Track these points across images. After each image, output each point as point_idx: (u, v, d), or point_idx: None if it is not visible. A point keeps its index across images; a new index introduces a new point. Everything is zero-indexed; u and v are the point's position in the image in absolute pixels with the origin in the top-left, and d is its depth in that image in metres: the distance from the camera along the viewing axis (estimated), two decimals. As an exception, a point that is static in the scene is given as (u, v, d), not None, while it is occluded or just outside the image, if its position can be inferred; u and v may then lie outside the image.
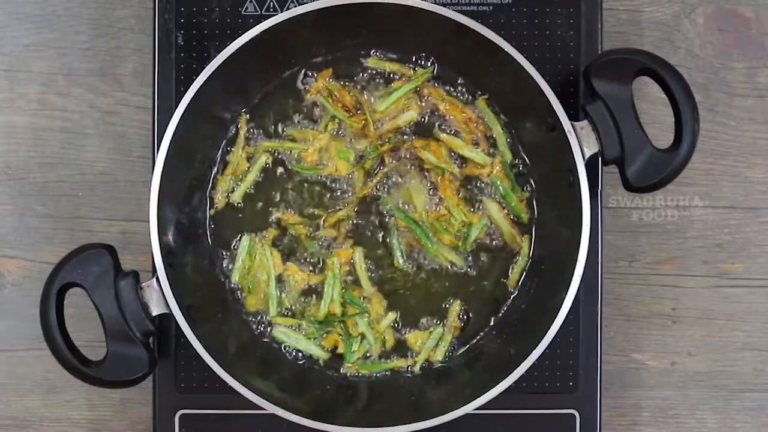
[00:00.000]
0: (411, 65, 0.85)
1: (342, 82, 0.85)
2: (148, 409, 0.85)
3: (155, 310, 0.75)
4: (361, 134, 0.85)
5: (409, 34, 0.81)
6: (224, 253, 0.85)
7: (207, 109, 0.80)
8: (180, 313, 0.74)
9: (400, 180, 0.85)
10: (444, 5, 0.76)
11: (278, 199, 0.85)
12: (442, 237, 0.84)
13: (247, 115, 0.85)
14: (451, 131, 0.85)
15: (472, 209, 0.85)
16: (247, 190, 0.85)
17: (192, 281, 0.80)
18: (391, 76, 0.85)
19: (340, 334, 0.84)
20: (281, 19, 0.75)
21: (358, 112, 0.85)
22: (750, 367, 0.90)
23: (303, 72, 0.85)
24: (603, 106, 0.75)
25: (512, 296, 0.85)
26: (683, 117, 0.74)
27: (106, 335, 0.74)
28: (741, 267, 0.90)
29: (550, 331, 0.74)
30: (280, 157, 0.85)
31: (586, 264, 0.75)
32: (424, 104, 0.85)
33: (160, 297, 0.75)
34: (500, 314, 0.85)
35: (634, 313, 0.90)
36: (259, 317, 0.85)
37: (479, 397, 0.74)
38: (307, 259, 0.85)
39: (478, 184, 0.85)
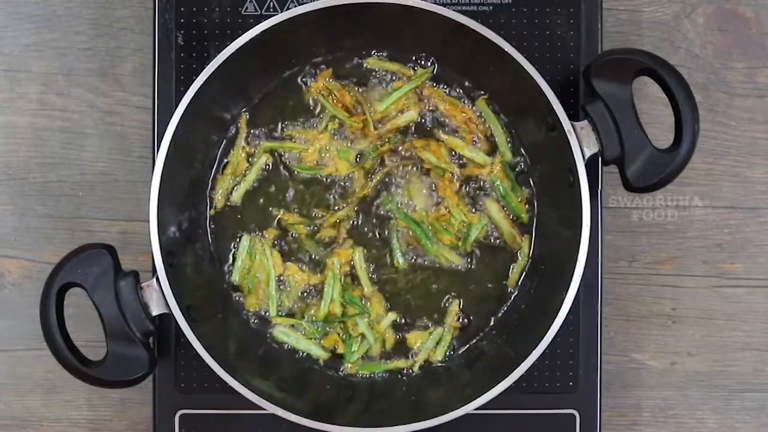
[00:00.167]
0: (411, 65, 0.85)
1: (342, 82, 0.85)
2: (148, 409, 0.85)
3: (155, 310, 0.75)
4: (361, 134, 0.85)
5: (409, 34, 0.81)
6: (224, 253, 0.85)
7: (207, 109, 0.80)
8: (180, 313, 0.74)
9: (400, 180, 0.85)
10: (444, 5, 0.76)
11: (278, 199, 0.85)
12: (442, 237, 0.84)
13: (247, 115, 0.85)
14: (451, 131, 0.85)
15: (472, 209, 0.85)
16: (247, 190, 0.85)
17: (192, 281, 0.80)
18: (391, 76, 0.85)
19: (340, 334, 0.84)
20: (281, 19, 0.75)
21: (358, 112, 0.85)
22: (750, 367, 0.90)
23: (303, 72, 0.85)
24: (603, 106, 0.75)
25: (512, 296, 0.85)
26: (683, 117, 0.74)
27: (106, 335, 0.74)
28: (741, 267, 0.90)
29: (550, 331, 0.74)
30: (280, 157, 0.85)
31: (586, 264, 0.75)
32: (424, 104, 0.85)
33: (160, 297, 0.75)
34: (500, 314, 0.85)
35: (634, 313, 0.90)
36: (259, 317, 0.85)
37: (479, 397, 0.74)
38: (307, 259, 0.85)
39: (478, 184, 0.85)
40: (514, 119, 0.84)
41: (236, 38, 0.75)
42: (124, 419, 0.90)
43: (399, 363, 0.84)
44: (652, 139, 0.75)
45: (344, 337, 0.84)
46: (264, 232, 0.85)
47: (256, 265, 0.84)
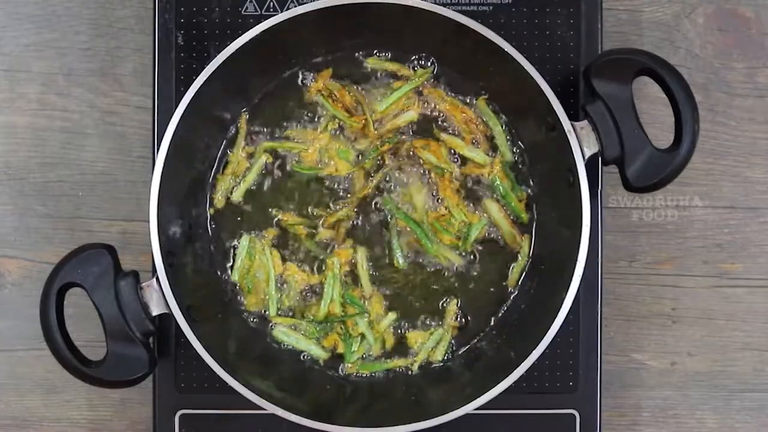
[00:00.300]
0: (411, 65, 0.85)
1: (342, 82, 0.85)
2: (148, 409, 0.85)
3: (155, 310, 0.75)
4: (361, 134, 0.85)
5: (409, 34, 0.81)
6: (224, 253, 0.85)
7: (207, 109, 0.80)
8: (180, 313, 0.74)
9: (400, 180, 0.85)
10: (444, 5, 0.76)
11: (278, 199, 0.85)
12: (442, 237, 0.84)
13: (247, 115, 0.85)
14: (451, 131, 0.85)
15: (472, 209, 0.85)
16: (247, 190, 0.85)
17: (192, 281, 0.80)
18: (391, 76, 0.85)
19: (340, 334, 0.84)
20: (281, 19, 0.75)
21: (358, 112, 0.85)
22: (750, 367, 0.90)
23: (303, 72, 0.85)
24: (603, 106, 0.75)
25: (512, 296, 0.85)
26: (683, 117, 0.74)
27: (106, 335, 0.74)
28: (741, 267, 0.90)
29: (550, 331, 0.74)
30: (280, 157, 0.85)
31: (586, 264, 0.75)
32: (424, 104, 0.85)
33: (160, 297, 0.75)
34: (500, 314, 0.85)
35: (634, 313, 0.90)
36: (259, 317, 0.85)
37: (479, 397, 0.74)
38: (307, 259, 0.85)
39: (478, 184, 0.85)
40: (514, 119, 0.84)
41: (236, 38, 0.75)
42: (124, 419, 0.90)
43: (399, 363, 0.84)
44: (652, 139, 0.75)
45: (344, 337, 0.84)
46: (264, 232, 0.85)
47: (256, 265, 0.84)
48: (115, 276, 0.74)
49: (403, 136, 0.85)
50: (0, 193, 0.89)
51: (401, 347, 0.85)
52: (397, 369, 0.84)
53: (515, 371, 0.74)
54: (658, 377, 0.90)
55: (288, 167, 0.85)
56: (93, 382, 0.74)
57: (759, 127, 0.90)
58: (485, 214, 0.85)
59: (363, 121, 0.84)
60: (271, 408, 0.75)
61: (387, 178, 0.85)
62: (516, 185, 0.85)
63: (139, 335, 0.74)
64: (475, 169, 0.85)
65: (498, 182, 0.84)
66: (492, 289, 0.85)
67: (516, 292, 0.85)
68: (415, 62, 0.85)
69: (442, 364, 0.84)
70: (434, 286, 0.85)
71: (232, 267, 0.84)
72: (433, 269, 0.85)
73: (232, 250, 0.85)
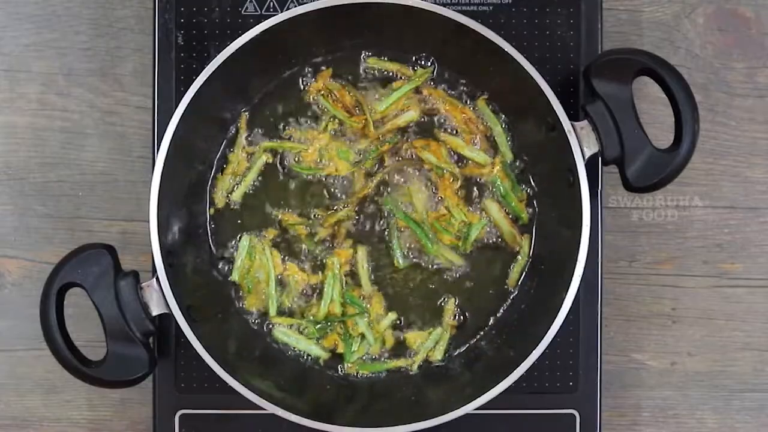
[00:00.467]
0: (411, 65, 0.85)
1: (342, 82, 0.85)
2: (148, 409, 0.85)
3: (155, 310, 0.75)
4: (361, 134, 0.85)
5: (409, 34, 0.81)
6: (224, 253, 0.85)
7: (207, 109, 0.80)
8: (180, 313, 0.74)
9: (400, 180, 0.85)
10: (444, 5, 0.76)
11: (278, 199, 0.85)
12: (442, 237, 0.84)
13: (247, 115, 0.85)
14: (451, 131, 0.85)
15: (472, 209, 0.85)
16: (247, 190, 0.85)
17: (192, 281, 0.80)
18: (392, 76, 0.85)
19: (340, 334, 0.84)
20: (281, 19, 0.75)
21: (358, 112, 0.85)
22: (750, 367, 0.90)
23: (303, 72, 0.85)
24: (603, 106, 0.75)
25: (512, 296, 0.85)
26: (683, 117, 0.74)
27: (106, 335, 0.74)
28: (741, 267, 0.90)
29: (550, 331, 0.74)
30: (280, 157, 0.85)
31: (586, 264, 0.75)
32: (424, 104, 0.85)
33: (160, 297, 0.75)
34: (500, 314, 0.85)
35: (634, 313, 0.90)
36: (259, 317, 0.85)
37: (479, 397, 0.74)
38: (307, 259, 0.85)
39: (478, 184, 0.85)
40: (514, 119, 0.84)
41: (236, 38, 0.75)
42: (124, 419, 0.90)
43: (399, 363, 0.84)
44: (652, 139, 0.75)
45: (344, 337, 0.84)
46: (264, 231, 0.85)
47: (256, 265, 0.84)
48: (115, 276, 0.74)
49: (403, 136, 0.85)
50: (0, 193, 0.89)
51: (401, 347, 0.85)
52: (397, 369, 0.84)
53: (515, 371, 0.74)
54: (658, 377, 0.90)
55: (288, 167, 0.85)
56: (93, 382, 0.74)
57: (759, 127, 0.90)
58: (485, 214, 0.85)
59: (363, 121, 0.84)
60: (271, 408, 0.75)
61: (387, 178, 0.85)
62: (516, 185, 0.85)
63: (139, 335, 0.74)
64: (475, 169, 0.85)
65: (498, 182, 0.84)
66: (492, 289, 0.85)
67: (516, 292, 0.85)
68: (415, 62, 0.85)
69: (441, 364, 0.84)
70: (434, 286, 0.85)
71: (232, 267, 0.84)
72: (432, 269, 0.85)
73: (232, 250, 0.85)
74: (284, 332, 0.84)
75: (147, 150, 0.88)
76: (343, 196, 0.85)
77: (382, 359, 0.85)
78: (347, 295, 0.84)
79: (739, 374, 0.90)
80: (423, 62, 0.85)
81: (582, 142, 0.75)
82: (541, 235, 0.84)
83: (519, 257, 0.85)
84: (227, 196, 0.85)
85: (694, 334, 0.90)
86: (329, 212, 0.85)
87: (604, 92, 0.75)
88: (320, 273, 0.84)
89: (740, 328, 0.90)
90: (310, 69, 0.85)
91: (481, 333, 0.85)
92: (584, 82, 0.79)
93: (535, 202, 0.85)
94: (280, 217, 0.85)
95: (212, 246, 0.85)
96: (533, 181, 0.85)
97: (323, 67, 0.85)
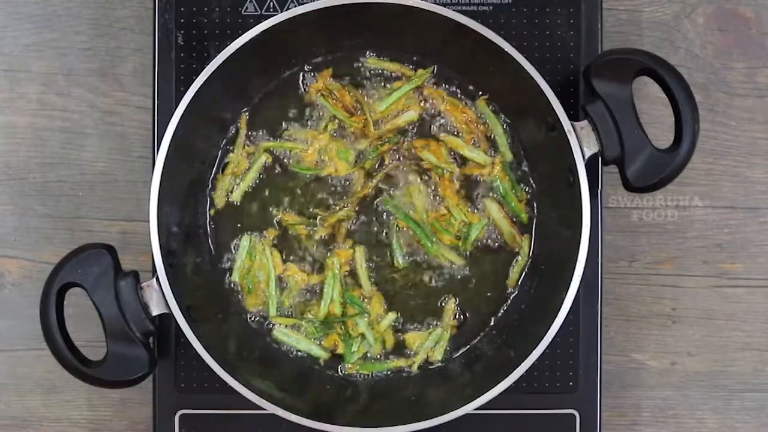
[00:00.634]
0: (411, 65, 0.85)
1: (342, 82, 0.85)
2: (148, 409, 0.85)
3: (155, 310, 0.75)
4: (361, 134, 0.85)
5: (409, 34, 0.81)
6: (224, 253, 0.85)
7: (207, 109, 0.80)
8: (180, 313, 0.74)
9: (400, 180, 0.85)
10: (444, 5, 0.76)
11: (278, 199, 0.85)
12: (442, 237, 0.84)
13: (247, 115, 0.85)
14: (451, 131, 0.85)
15: (472, 209, 0.85)
16: (247, 190, 0.85)
17: (192, 281, 0.80)
18: (391, 75, 0.85)
19: (340, 334, 0.84)
20: (281, 19, 0.75)
21: (358, 112, 0.85)
22: (750, 367, 0.90)
23: (303, 72, 0.85)
24: (603, 106, 0.75)
25: (512, 296, 0.85)
26: (683, 117, 0.74)
27: (106, 335, 0.74)
28: (741, 267, 0.90)
29: (550, 331, 0.74)
30: (280, 156, 0.85)
31: (586, 264, 0.75)
32: (424, 104, 0.85)
33: (160, 297, 0.75)
34: (500, 314, 0.85)
35: (634, 313, 0.90)
36: (259, 317, 0.85)
37: (479, 397, 0.74)
38: (307, 259, 0.85)
39: (478, 184, 0.85)
40: (514, 119, 0.84)
41: (236, 38, 0.75)
42: (124, 419, 0.90)
43: (399, 363, 0.84)
44: (652, 139, 0.75)
45: (344, 337, 0.84)
46: (264, 232, 0.85)
47: (256, 265, 0.84)
48: (115, 276, 0.74)
49: (403, 136, 0.85)
50: (0, 193, 0.89)
51: (401, 347, 0.85)
52: (397, 369, 0.84)
53: (515, 371, 0.74)
54: (658, 377, 0.90)
55: (288, 167, 0.85)
56: (93, 382, 0.74)
57: (759, 127, 0.90)
58: (485, 214, 0.85)
59: (363, 121, 0.84)
60: (271, 408, 0.75)
61: (387, 178, 0.85)
62: (516, 185, 0.85)
63: (139, 335, 0.74)
64: (475, 169, 0.85)
65: (498, 182, 0.84)
66: (492, 289, 0.85)
67: (516, 292, 0.85)
68: (415, 62, 0.85)
69: (442, 364, 0.84)
70: (434, 287, 0.85)
71: (232, 267, 0.84)
72: (433, 269, 0.85)
73: (232, 250, 0.85)
74: (284, 332, 0.84)
75: (147, 150, 0.88)
76: (343, 196, 0.85)
77: (382, 359, 0.85)
78: (347, 295, 0.84)
79: (739, 374, 0.90)
80: (423, 62, 0.85)
81: (582, 142, 0.75)
82: (541, 235, 0.84)
83: (519, 257, 0.85)
84: (227, 196, 0.85)
85: (694, 334, 0.90)
86: (329, 212, 0.85)
87: (604, 92, 0.75)
88: (320, 273, 0.84)
89: (740, 328, 0.90)
90: (310, 69, 0.85)
91: (481, 333, 0.85)
92: (584, 82, 0.79)
93: (535, 202, 0.85)
94: (280, 217, 0.85)
95: (212, 246, 0.85)
96: (533, 181, 0.85)
97: (323, 67, 0.85)
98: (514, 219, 0.85)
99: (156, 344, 0.83)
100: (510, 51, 0.75)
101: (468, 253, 0.85)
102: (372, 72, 0.85)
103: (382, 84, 0.85)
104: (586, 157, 0.75)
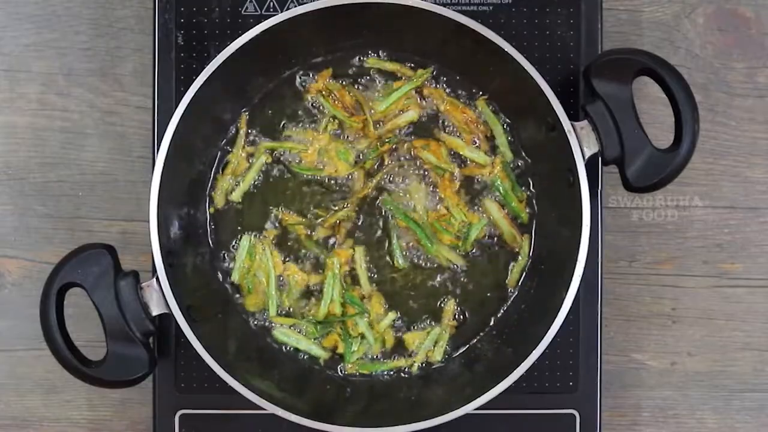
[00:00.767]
0: (411, 65, 0.85)
1: (342, 82, 0.85)
2: (148, 409, 0.85)
3: (155, 310, 0.75)
4: (361, 134, 0.85)
5: (409, 34, 0.81)
6: (224, 253, 0.85)
7: (207, 109, 0.80)
8: (180, 313, 0.74)
9: (400, 180, 0.85)
10: (444, 5, 0.76)
11: (278, 199, 0.85)
12: (442, 237, 0.84)
13: (247, 115, 0.85)
14: (451, 131, 0.85)
15: (472, 209, 0.85)
16: (247, 190, 0.85)
17: (192, 281, 0.80)
18: (391, 75, 0.85)
19: (340, 334, 0.84)
20: (281, 19, 0.75)
21: (358, 112, 0.85)
22: (750, 367, 0.90)
23: (303, 72, 0.85)
24: (603, 106, 0.75)
25: (512, 296, 0.85)
26: (683, 117, 0.74)
27: (106, 335, 0.74)
28: (741, 267, 0.90)
29: (550, 331, 0.74)
30: (280, 157, 0.85)
31: (586, 264, 0.75)
32: (424, 104, 0.85)
33: (160, 297, 0.75)
34: (500, 314, 0.85)
35: (634, 313, 0.90)
36: (259, 317, 0.85)
37: (479, 397, 0.74)
38: (307, 259, 0.85)
39: (478, 184, 0.85)
40: (514, 119, 0.84)
41: (236, 38, 0.75)
42: (124, 419, 0.90)
43: (399, 363, 0.84)
44: (652, 139, 0.75)
45: (344, 337, 0.84)
46: (264, 232, 0.85)
47: (256, 265, 0.84)
48: (115, 276, 0.74)
49: (404, 136, 0.85)
50: (0, 193, 0.89)
51: (401, 347, 0.85)
52: (397, 369, 0.84)
53: (515, 371, 0.74)
54: (658, 377, 0.90)
55: (288, 167, 0.85)
56: (93, 382, 0.74)
57: (759, 127, 0.90)
58: (485, 214, 0.85)
59: (363, 121, 0.84)
60: (271, 408, 0.75)
61: (387, 178, 0.85)
62: (516, 185, 0.85)
63: (139, 335, 0.74)
64: (475, 170, 0.85)
65: (498, 182, 0.84)
66: (492, 290, 0.85)
67: (516, 292, 0.85)
68: (415, 62, 0.85)
69: (441, 364, 0.84)
70: (434, 286, 0.85)
71: (232, 267, 0.84)
72: (432, 269, 0.85)
73: (232, 250, 0.85)
74: (284, 332, 0.84)
75: (147, 150, 0.88)
76: (343, 197, 0.85)
77: (382, 359, 0.85)
78: (347, 295, 0.84)
79: (739, 374, 0.90)
80: (423, 62, 0.85)
81: (582, 142, 0.75)
82: (541, 235, 0.84)
83: (519, 257, 0.85)
84: (227, 196, 0.85)
85: (694, 334, 0.90)
86: (329, 212, 0.85)
87: (604, 92, 0.75)
88: (320, 273, 0.84)
89: (740, 328, 0.90)
90: (310, 69, 0.85)
91: (481, 333, 0.85)
92: (584, 82, 0.79)
93: (534, 202, 0.85)
94: (280, 217, 0.85)
95: (212, 246, 0.85)
96: (533, 181, 0.85)
97: (323, 67, 0.85)
98: (514, 219, 0.85)
99: (156, 344, 0.83)
100: (510, 51, 0.75)
101: (468, 253, 0.85)
102: (372, 72, 0.85)
103: (382, 84, 0.85)
104: (586, 157, 0.75)
